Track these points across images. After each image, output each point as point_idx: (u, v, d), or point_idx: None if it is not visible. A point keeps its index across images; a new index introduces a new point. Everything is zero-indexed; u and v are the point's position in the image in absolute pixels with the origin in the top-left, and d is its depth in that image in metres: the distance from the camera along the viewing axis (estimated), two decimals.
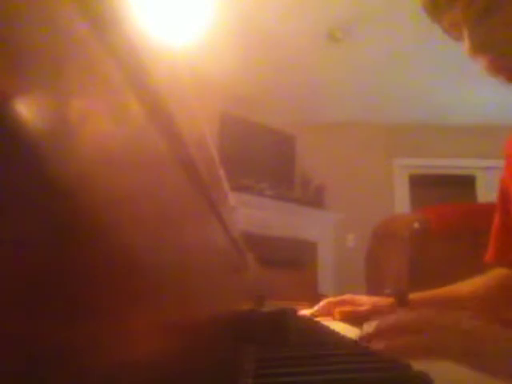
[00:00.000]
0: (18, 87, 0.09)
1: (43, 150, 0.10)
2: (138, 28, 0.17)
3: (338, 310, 0.97)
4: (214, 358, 0.33)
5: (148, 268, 0.17)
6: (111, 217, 0.13)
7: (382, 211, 3.32)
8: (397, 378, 0.36)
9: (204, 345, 0.29)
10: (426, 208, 2.07)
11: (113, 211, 0.14)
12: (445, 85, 3.35)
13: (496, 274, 0.89)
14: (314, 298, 1.15)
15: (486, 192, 3.92)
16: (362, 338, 0.54)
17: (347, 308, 0.97)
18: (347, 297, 1.02)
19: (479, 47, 0.65)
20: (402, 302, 0.93)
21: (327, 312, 1.00)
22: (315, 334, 0.76)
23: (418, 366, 0.37)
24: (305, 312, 1.06)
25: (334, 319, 0.96)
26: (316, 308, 1.04)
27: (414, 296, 0.94)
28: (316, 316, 1.01)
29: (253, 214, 3.10)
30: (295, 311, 0.83)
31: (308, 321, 0.95)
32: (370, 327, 0.55)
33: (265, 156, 3.72)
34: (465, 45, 0.66)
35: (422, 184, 4.18)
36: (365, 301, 0.98)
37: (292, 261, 3.40)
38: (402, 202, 4.09)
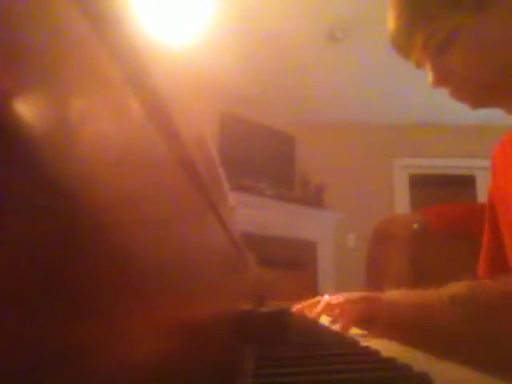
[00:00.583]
0: (18, 87, 0.09)
1: (43, 149, 0.10)
2: (138, 28, 0.17)
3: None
4: (214, 357, 0.33)
5: (147, 268, 0.17)
6: (111, 217, 0.13)
7: (382, 211, 3.33)
8: (397, 378, 0.36)
9: (204, 345, 0.29)
10: (425, 208, 2.07)
11: (112, 211, 0.14)
12: None
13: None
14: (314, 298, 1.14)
15: (486, 192, 3.90)
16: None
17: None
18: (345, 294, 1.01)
19: (441, 79, 0.72)
20: None
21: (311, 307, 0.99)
22: (314, 333, 0.76)
23: (418, 366, 0.37)
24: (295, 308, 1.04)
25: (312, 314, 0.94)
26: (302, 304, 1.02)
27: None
28: (302, 310, 1.00)
29: (253, 213, 3.10)
30: (290, 310, 0.83)
31: (304, 319, 0.95)
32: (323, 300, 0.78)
33: (265, 156, 3.72)
34: (428, 78, 0.73)
35: (421, 184, 4.18)
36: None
37: (292, 261, 3.40)
38: (401, 202, 4.09)
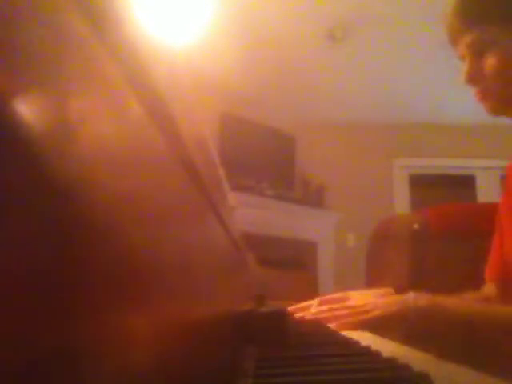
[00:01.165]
0: (18, 87, 0.09)
1: (43, 149, 0.10)
2: (138, 28, 0.17)
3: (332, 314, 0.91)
4: (214, 357, 0.33)
5: (147, 268, 0.17)
6: (111, 217, 0.13)
7: (382, 211, 3.32)
8: (397, 378, 0.36)
9: (204, 345, 0.29)
10: (425, 208, 2.07)
11: (113, 211, 0.14)
12: (445, 85, 3.35)
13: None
14: (314, 298, 1.13)
15: (486, 192, 3.92)
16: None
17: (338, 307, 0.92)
18: (339, 295, 0.99)
19: (473, 79, 0.80)
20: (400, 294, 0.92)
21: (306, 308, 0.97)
22: (314, 333, 0.76)
23: (418, 366, 0.37)
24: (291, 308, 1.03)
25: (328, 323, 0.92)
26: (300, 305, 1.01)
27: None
28: (297, 311, 0.98)
29: (253, 213, 3.10)
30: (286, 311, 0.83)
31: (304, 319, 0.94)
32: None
33: (265, 156, 3.72)
34: (462, 73, 0.81)
35: (421, 184, 4.18)
36: (357, 297, 0.95)
37: (292, 261, 3.40)
38: (402, 202, 4.09)
